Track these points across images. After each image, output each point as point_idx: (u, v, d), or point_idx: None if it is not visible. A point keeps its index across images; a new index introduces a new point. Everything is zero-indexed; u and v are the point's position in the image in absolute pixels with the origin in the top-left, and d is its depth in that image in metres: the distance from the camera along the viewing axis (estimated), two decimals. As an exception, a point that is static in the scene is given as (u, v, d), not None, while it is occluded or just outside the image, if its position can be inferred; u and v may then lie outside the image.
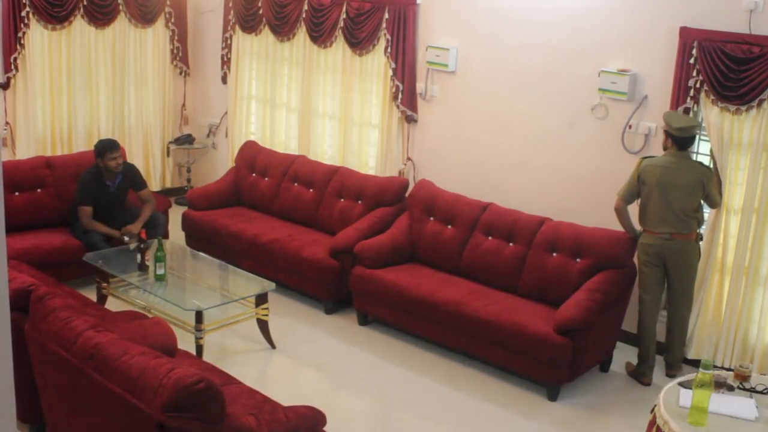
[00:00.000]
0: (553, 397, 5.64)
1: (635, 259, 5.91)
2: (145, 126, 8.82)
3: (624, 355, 6.18)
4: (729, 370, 5.35)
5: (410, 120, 7.40)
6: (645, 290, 5.81)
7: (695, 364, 5.71)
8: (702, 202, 5.71)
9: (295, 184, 7.55)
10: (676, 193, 5.60)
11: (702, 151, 6.08)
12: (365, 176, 7.34)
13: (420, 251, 6.68)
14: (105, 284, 6.23)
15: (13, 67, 7.64)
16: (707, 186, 5.63)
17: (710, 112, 5.77)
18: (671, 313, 5.87)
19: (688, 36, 5.78)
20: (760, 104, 5.56)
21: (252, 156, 7.94)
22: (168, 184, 9.13)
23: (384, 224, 6.88)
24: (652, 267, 5.75)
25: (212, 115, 9.14)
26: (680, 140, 5.59)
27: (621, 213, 5.88)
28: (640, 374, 5.90)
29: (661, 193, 5.62)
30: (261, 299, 5.96)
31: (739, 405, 4.15)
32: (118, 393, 3.53)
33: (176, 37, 8.79)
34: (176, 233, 7.62)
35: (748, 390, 4.32)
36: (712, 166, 5.83)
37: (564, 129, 6.54)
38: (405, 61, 7.25)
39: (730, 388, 4.31)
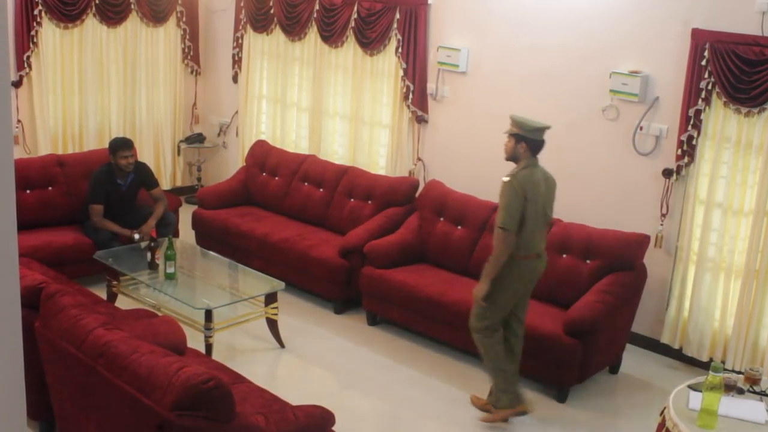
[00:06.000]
0: (562, 398, 5.62)
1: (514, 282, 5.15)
2: (156, 125, 8.84)
3: (634, 357, 6.16)
4: (739, 373, 5.32)
5: (421, 120, 7.39)
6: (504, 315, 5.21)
7: (705, 366, 5.69)
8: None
9: (306, 184, 7.56)
10: (549, 202, 5.11)
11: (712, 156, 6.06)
12: (375, 176, 7.34)
13: (430, 251, 6.68)
14: (115, 282, 6.24)
15: (25, 65, 7.68)
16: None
17: (721, 114, 5.75)
18: (517, 344, 5.28)
19: (700, 38, 5.76)
20: (772, 106, 5.55)
21: (262, 155, 7.95)
22: (178, 183, 9.16)
23: (394, 224, 6.88)
24: (525, 292, 5.19)
25: (223, 114, 9.16)
26: (537, 144, 4.99)
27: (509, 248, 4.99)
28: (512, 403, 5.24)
29: (539, 206, 5.01)
30: (270, 298, 5.97)
31: (749, 408, 4.13)
32: (127, 391, 3.54)
33: (187, 36, 8.81)
34: (186, 232, 7.64)
35: (758, 393, 4.31)
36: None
37: (574, 130, 6.53)
38: (416, 62, 7.24)
39: (740, 391, 4.29)
